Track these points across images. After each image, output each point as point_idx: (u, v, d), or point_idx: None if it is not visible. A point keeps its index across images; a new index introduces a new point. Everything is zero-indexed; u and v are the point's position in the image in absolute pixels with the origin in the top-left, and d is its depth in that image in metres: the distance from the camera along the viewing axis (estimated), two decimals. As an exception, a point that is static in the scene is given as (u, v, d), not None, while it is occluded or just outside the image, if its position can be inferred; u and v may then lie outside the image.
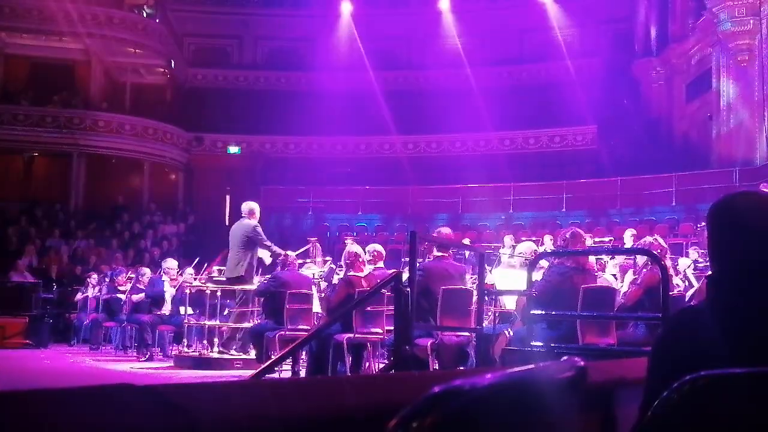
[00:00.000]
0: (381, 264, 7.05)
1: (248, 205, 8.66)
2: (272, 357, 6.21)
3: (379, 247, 7.15)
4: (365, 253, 6.84)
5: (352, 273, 6.68)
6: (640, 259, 6.14)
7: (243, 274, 8.33)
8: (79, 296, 13.04)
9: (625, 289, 6.16)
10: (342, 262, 7.12)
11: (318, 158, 22.85)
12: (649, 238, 6.25)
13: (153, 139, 22.24)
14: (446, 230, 6.28)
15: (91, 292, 12.55)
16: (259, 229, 8.46)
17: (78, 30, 21.11)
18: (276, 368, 5.68)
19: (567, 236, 5.46)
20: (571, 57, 22.50)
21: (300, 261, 8.37)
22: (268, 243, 8.47)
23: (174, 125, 22.83)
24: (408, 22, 24.68)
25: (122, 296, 11.04)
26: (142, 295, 10.24)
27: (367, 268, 6.77)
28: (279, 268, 7.81)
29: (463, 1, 23.98)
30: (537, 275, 5.75)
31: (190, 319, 9.33)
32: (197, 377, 7.16)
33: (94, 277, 12.99)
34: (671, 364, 1.34)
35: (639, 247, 6.52)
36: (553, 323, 5.15)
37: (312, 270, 8.80)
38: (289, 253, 8.10)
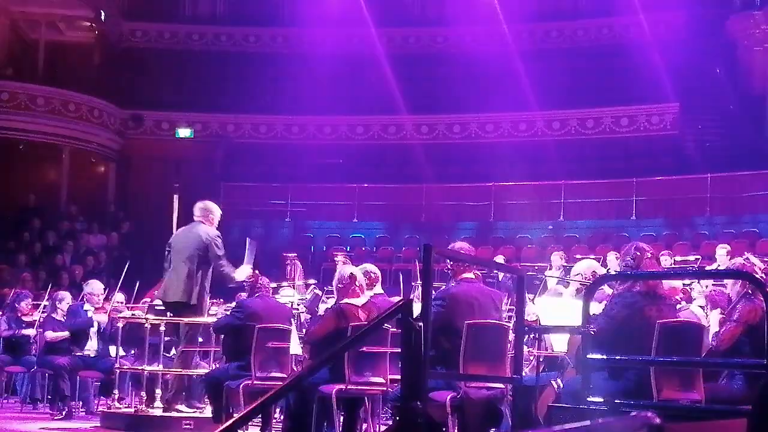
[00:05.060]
0: (378, 288, 7.08)
1: (203, 205, 8.53)
2: (235, 415, 6.20)
3: (372, 268, 7.19)
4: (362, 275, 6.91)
5: (346, 301, 6.73)
6: (735, 287, 6.12)
7: (195, 303, 8.26)
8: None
9: (715, 327, 6.14)
10: (333, 287, 7.15)
11: (299, 145, 22.87)
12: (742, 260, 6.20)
13: (75, 118, 22.27)
14: (462, 244, 6.34)
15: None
16: (220, 242, 8.32)
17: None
18: (240, 430, 5.68)
19: (632, 252, 5.50)
20: (645, 10, 22.53)
21: (273, 285, 8.37)
22: (223, 262, 8.24)
23: (104, 99, 22.86)
24: (423, -38, 24.80)
25: (30, 331, 11.02)
26: (66, 333, 10.13)
27: (365, 294, 6.82)
28: (246, 294, 7.82)
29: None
30: (597, 306, 5.75)
31: (122, 362, 9.31)
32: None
33: (-8, 305, 12.98)
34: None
35: (733, 268, 6.52)
36: (618, 372, 5.15)
37: (289, 297, 8.82)
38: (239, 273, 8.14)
